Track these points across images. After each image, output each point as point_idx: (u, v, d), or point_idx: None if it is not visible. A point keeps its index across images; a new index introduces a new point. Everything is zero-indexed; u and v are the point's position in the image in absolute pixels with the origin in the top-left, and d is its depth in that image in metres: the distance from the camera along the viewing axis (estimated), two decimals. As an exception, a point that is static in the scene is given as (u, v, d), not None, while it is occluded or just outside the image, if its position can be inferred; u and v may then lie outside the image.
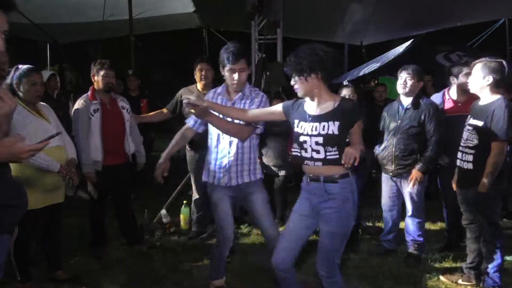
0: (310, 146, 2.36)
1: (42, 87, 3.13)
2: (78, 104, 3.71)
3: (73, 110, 3.74)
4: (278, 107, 2.62)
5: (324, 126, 2.34)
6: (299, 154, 2.42)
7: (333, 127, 2.32)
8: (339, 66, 2.35)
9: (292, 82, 2.42)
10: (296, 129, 2.45)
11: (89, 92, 3.75)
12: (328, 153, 2.33)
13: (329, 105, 2.38)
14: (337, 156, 2.31)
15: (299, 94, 2.43)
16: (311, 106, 2.43)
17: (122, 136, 3.84)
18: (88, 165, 3.61)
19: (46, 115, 3.14)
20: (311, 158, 2.37)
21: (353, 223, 2.50)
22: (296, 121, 2.46)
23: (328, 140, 2.33)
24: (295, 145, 2.45)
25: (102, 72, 3.71)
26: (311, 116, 2.40)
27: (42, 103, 3.18)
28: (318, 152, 2.35)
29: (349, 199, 2.40)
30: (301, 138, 2.40)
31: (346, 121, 2.34)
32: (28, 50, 10.35)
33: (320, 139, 2.33)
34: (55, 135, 1.85)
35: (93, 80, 3.78)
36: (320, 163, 2.36)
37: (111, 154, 3.73)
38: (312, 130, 2.36)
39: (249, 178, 2.86)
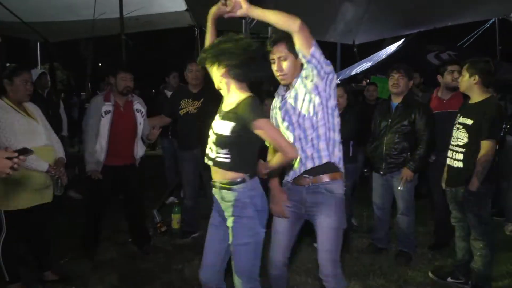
0: (210, 143, 2.24)
1: (32, 85, 3.12)
2: (92, 103, 3.70)
3: (87, 108, 3.70)
4: None
5: (220, 124, 2.18)
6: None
7: (226, 127, 2.14)
8: (251, 65, 2.12)
9: None
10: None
11: (105, 92, 3.73)
12: (218, 154, 2.19)
13: (233, 103, 2.18)
14: (228, 160, 2.16)
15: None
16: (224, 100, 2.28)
17: (131, 139, 3.78)
18: (91, 163, 3.61)
19: (34, 114, 3.12)
20: (207, 156, 2.26)
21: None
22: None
23: (218, 140, 2.17)
24: None
25: (120, 75, 3.66)
26: (220, 112, 2.25)
27: (29, 102, 3.16)
28: (211, 150, 2.23)
29: (247, 205, 2.18)
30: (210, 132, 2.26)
31: (240, 122, 2.11)
32: (19, 49, 10.27)
33: (214, 138, 2.21)
34: (29, 153, 1.83)
35: (111, 82, 3.73)
36: (211, 163, 2.23)
37: (115, 155, 3.68)
38: (214, 127, 2.23)
39: (312, 163, 2.31)
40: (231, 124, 2.12)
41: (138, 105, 3.85)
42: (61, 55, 10.07)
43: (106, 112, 3.65)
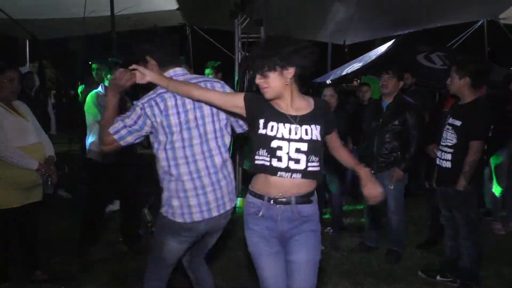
0: (288, 153, 1.93)
1: (18, 84, 3.06)
2: (96, 97, 3.63)
3: (89, 102, 3.63)
4: (239, 97, 2.07)
5: (310, 129, 1.96)
6: (268, 164, 1.96)
7: (317, 132, 1.97)
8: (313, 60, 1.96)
9: (259, 80, 1.95)
10: (262, 131, 1.97)
11: (102, 89, 3.70)
12: (311, 164, 1.96)
13: (305, 105, 2.03)
14: (319, 168, 2.00)
15: (269, 96, 1.97)
16: (282, 105, 2.00)
17: None
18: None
19: (23, 112, 3.09)
20: (287, 169, 1.94)
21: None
22: (262, 120, 1.98)
23: (314, 147, 1.96)
24: (261, 152, 1.97)
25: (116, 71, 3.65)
26: (290, 116, 1.98)
27: (18, 101, 3.13)
28: (298, 161, 1.94)
29: (318, 216, 2.08)
30: (274, 143, 1.95)
31: (325, 125, 2.03)
32: (7, 47, 10.14)
33: (304, 146, 1.94)
34: None
35: (105, 79, 3.70)
36: (299, 175, 1.95)
37: (120, 151, 3.67)
38: (291, 134, 1.95)
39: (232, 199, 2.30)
40: (319, 127, 1.98)
41: (129, 103, 3.84)
42: (51, 53, 9.98)
43: None
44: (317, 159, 1.97)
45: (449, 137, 3.12)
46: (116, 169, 3.68)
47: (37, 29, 8.12)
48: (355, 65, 8.21)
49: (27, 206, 3.05)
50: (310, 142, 1.94)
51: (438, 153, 3.24)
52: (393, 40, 8.39)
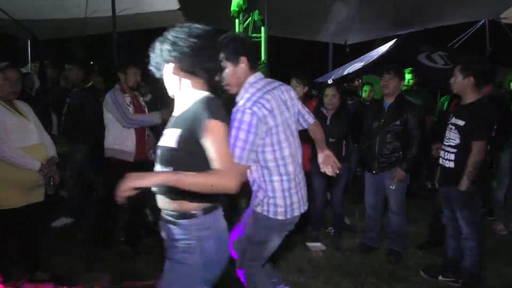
0: (158, 162, 1.74)
1: (18, 83, 3.03)
2: (116, 97, 3.65)
3: (109, 100, 3.65)
4: None
5: (166, 134, 1.71)
6: None
7: (172, 137, 1.65)
8: (201, 55, 1.66)
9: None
10: None
11: (119, 87, 3.73)
12: None
13: (186, 104, 1.70)
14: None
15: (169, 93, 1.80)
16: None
17: (144, 133, 3.86)
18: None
19: (25, 113, 3.08)
20: None
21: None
22: None
23: (163, 156, 1.68)
24: None
25: (131, 70, 3.69)
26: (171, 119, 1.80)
27: (20, 101, 3.12)
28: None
29: (191, 250, 1.69)
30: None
31: (188, 127, 1.62)
32: (9, 47, 10.16)
33: (158, 153, 1.72)
34: None
35: (121, 78, 3.74)
36: (155, 187, 1.71)
37: (139, 148, 3.72)
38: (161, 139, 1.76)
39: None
40: (178, 132, 1.63)
41: (143, 102, 3.91)
42: (51, 53, 9.99)
43: (129, 103, 3.69)
44: (169, 170, 1.65)
45: (452, 137, 3.11)
46: (136, 166, 3.68)
47: (38, 29, 8.13)
48: (357, 65, 8.20)
49: (29, 207, 3.05)
50: (160, 149, 1.69)
51: (441, 153, 3.23)
52: (395, 40, 8.38)
